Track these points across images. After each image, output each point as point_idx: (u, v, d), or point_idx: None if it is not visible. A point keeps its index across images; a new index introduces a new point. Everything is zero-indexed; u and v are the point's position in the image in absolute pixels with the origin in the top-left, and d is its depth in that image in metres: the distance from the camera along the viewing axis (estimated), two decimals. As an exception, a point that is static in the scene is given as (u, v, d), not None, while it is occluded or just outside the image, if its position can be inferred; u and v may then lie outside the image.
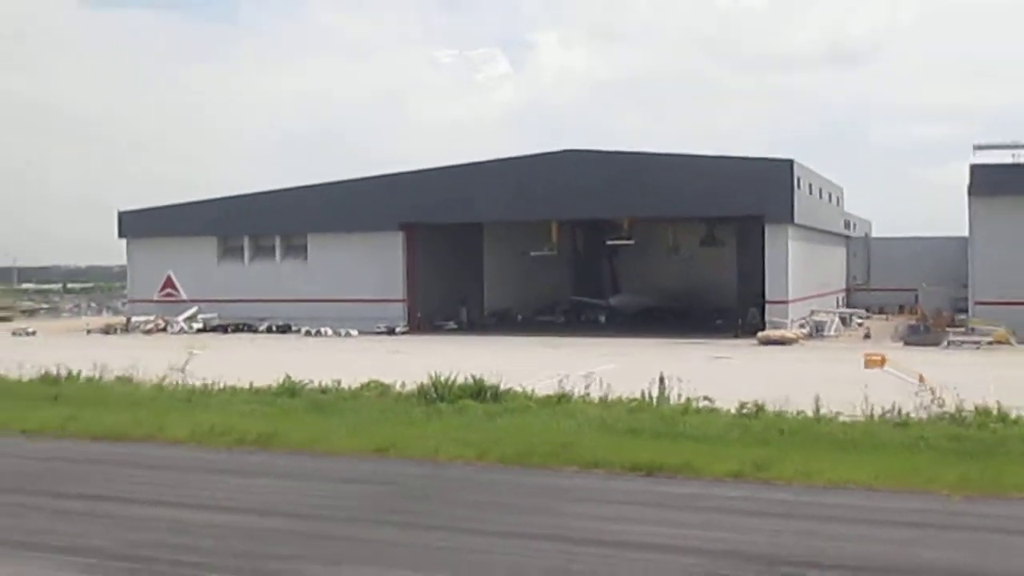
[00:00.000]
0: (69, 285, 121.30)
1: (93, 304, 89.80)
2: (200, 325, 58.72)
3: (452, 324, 59.50)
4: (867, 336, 51.19)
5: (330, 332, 55.18)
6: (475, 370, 28.00)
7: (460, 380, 24.52)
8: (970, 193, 50.96)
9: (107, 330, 59.91)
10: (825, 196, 63.28)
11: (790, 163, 52.18)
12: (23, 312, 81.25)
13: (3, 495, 15.56)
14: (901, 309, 67.58)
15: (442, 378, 24.31)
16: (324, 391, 25.57)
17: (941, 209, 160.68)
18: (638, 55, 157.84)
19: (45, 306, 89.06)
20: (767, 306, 52.41)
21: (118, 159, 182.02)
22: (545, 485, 16.33)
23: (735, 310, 60.57)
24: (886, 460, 17.07)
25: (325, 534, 13.10)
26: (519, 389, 24.97)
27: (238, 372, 28.29)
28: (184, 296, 61.99)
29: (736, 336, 51.08)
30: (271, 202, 60.58)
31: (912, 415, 21.15)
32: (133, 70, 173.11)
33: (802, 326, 52.78)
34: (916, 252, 71.88)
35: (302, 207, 59.34)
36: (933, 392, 25.10)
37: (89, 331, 59.79)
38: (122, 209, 64.88)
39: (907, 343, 47.62)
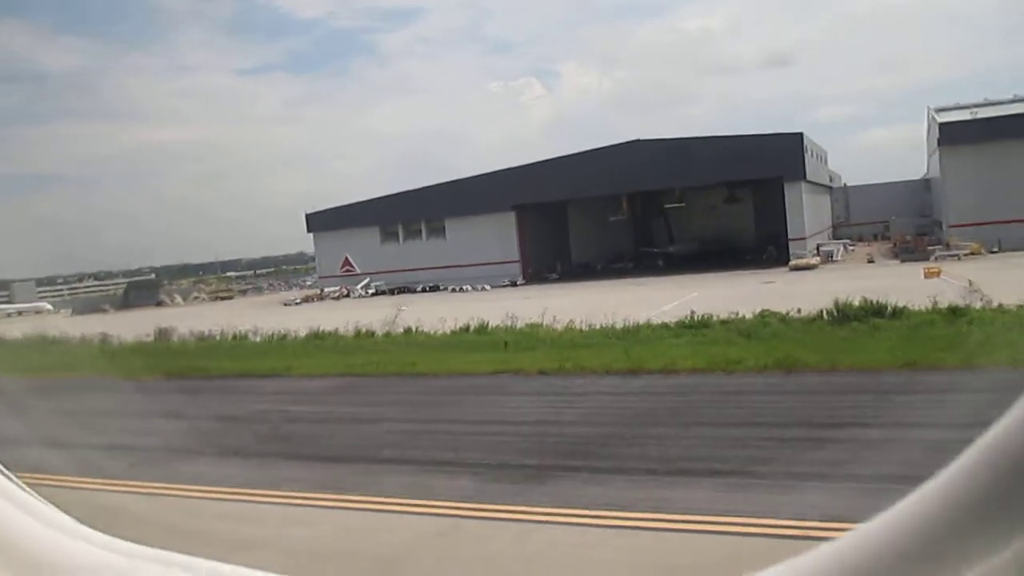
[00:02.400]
0: (258, 271, 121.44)
1: (283, 283, 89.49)
2: (373, 291, 57.96)
3: (554, 275, 58.00)
4: (870, 260, 48.53)
5: (469, 288, 53.98)
6: (606, 304, 26.10)
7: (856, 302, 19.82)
8: (940, 144, 48.61)
9: (308, 299, 59.28)
10: (818, 158, 60.75)
11: (800, 135, 49.93)
12: (239, 292, 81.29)
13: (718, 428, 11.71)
14: (875, 237, 65.18)
15: (843, 301, 19.83)
16: (726, 321, 20.84)
17: (868, 162, 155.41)
18: (633, 73, 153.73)
19: (250, 287, 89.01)
20: (790, 242, 50.34)
21: (270, 178, 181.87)
22: None
23: (754, 249, 58.99)
24: None
25: None
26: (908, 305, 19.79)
27: (441, 318, 25.61)
28: (358, 270, 61.20)
29: (766, 267, 49.13)
30: (417, 197, 59.23)
31: None
32: (275, 113, 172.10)
33: (816, 255, 50.66)
34: (881, 194, 69.35)
35: (440, 199, 57.99)
36: (981, 292, 23.57)
37: (299, 301, 58.87)
38: (307, 212, 64.16)
39: (903, 260, 45.43)
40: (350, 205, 62.59)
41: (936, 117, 52.02)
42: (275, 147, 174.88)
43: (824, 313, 19.78)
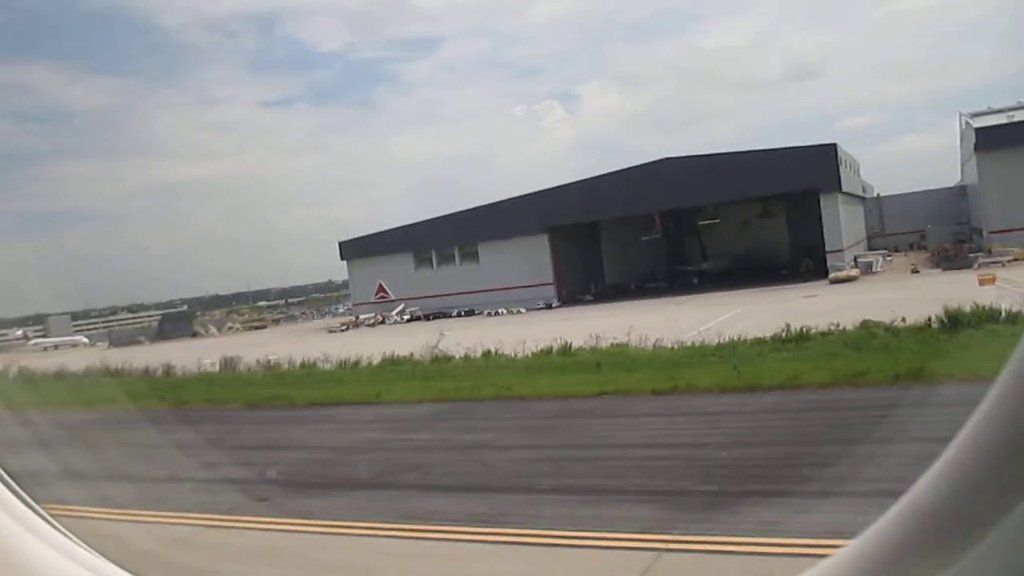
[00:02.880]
0: (288, 300, 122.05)
1: (314, 311, 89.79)
2: (408, 316, 57.92)
3: (589, 296, 57.67)
4: (915, 270, 47.24)
5: (504, 311, 53.76)
6: (653, 324, 25.50)
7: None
8: (976, 149, 47.94)
9: (344, 326, 59.23)
10: (851, 168, 60.12)
11: (834, 146, 49.54)
12: (272, 321, 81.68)
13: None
14: (911, 247, 64.19)
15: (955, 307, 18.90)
16: (826, 333, 19.99)
17: (897, 171, 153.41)
18: (655, 92, 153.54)
19: (282, 315, 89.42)
20: (828, 255, 49.71)
21: (296, 208, 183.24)
22: None
23: (789, 263, 58.33)
24: None
25: None
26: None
27: (491, 342, 25.36)
28: (392, 297, 61.28)
29: (804, 281, 48.43)
30: (449, 222, 59.40)
31: None
32: (300, 144, 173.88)
33: (854, 267, 49.92)
34: (914, 203, 68.27)
35: (472, 223, 58.11)
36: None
37: (345, 328, 58.68)
38: (340, 239, 64.59)
39: (945, 269, 44.67)
40: (383, 232, 62.84)
41: (971, 122, 51.37)
42: (300, 177, 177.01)
43: (933, 320, 19.06)
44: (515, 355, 23.49)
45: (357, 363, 25.84)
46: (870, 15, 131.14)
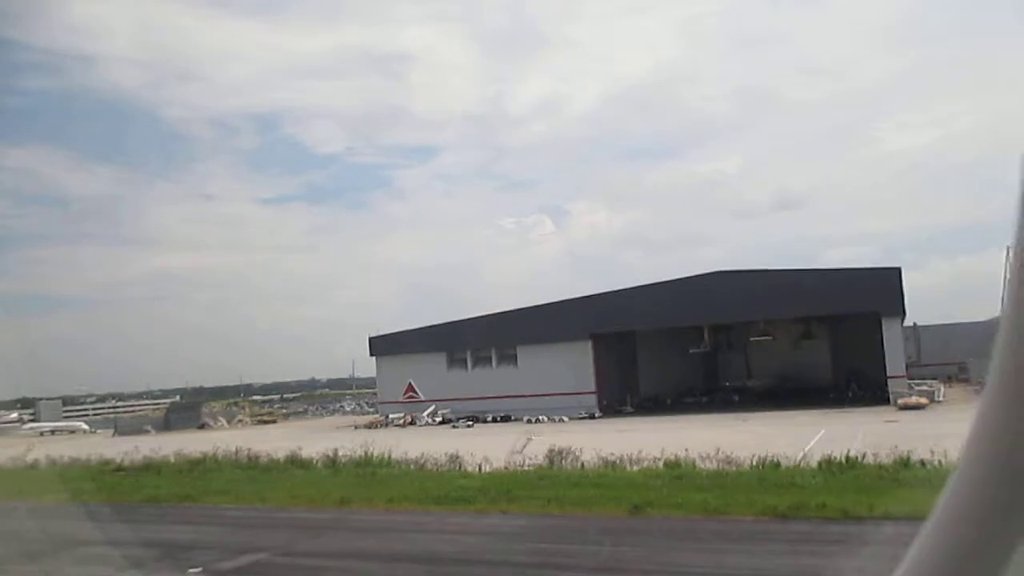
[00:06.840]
0: (284, 396, 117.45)
1: (321, 408, 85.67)
2: (440, 419, 54.33)
3: (628, 408, 54.63)
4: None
5: (545, 419, 50.35)
6: (728, 442, 23.92)
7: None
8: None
9: (372, 425, 55.42)
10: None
11: (898, 270, 48.07)
12: (283, 415, 77.44)
13: None
14: (949, 379, 62.09)
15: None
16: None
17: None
18: (640, 212, 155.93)
19: (288, 411, 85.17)
20: (889, 380, 47.36)
21: (282, 304, 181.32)
22: None
23: (833, 386, 56.09)
24: None
25: None
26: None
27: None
28: (422, 397, 57.78)
29: (857, 405, 46.01)
30: (487, 323, 56.74)
31: None
32: (293, 242, 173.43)
33: (919, 395, 47.35)
34: (953, 335, 66.64)
35: (510, 325, 55.54)
36: None
37: (356, 427, 55.01)
38: (371, 335, 61.59)
39: (1020, 403, 42.39)
40: (415, 330, 60.10)
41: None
42: (290, 275, 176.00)
43: None
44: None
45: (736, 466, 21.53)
46: (858, 153, 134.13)
